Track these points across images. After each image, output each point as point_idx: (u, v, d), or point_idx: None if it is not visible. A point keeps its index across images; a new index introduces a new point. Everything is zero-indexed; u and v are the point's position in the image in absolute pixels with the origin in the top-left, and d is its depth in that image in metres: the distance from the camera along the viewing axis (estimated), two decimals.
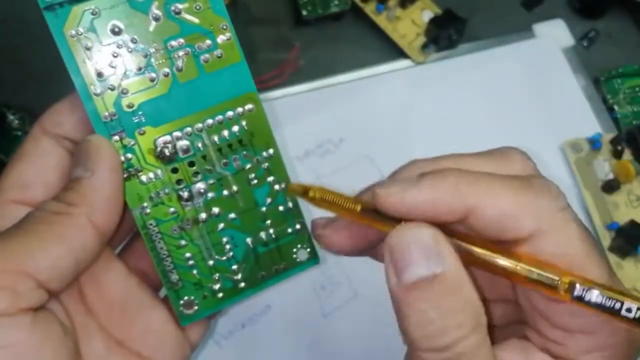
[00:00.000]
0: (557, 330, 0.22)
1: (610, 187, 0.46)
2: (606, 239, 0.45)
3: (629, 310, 0.20)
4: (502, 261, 0.21)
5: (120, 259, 0.27)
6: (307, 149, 0.48)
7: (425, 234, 0.21)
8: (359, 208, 0.23)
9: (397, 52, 0.52)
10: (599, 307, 0.20)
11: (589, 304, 0.20)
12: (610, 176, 0.47)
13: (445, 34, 0.51)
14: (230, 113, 0.25)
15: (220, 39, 0.25)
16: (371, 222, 0.23)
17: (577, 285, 0.20)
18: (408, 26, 0.53)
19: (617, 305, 0.20)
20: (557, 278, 0.21)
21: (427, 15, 0.53)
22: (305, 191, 0.25)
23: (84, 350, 0.25)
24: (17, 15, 0.49)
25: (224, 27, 0.25)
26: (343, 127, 0.49)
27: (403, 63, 0.52)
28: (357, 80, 0.51)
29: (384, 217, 0.22)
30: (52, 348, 0.22)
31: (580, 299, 0.20)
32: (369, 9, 0.53)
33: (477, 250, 0.22)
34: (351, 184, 0.47)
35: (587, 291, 0.20)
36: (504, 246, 0.22)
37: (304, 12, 0.52)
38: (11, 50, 0.51)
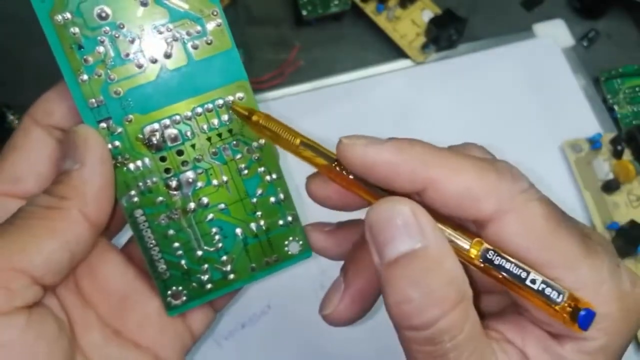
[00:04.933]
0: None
1: (610, 187, 0.46)
2: None
3: (533, 281, 0.20)
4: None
5: (121, 249, 0.27)
6: None
7: (403, 208, 0.20)
8: (298, 142, 0.23)
9: (397, 52, 0.53)
10: (505, 272, 0.20)
11: (498, 268, 0.20)
12: (610, 176, 0.46)
13: (445, 34, 0.51)
14: (220, 101, 0.25)
15: (211, 25, 0.25)
16: (310, 159, 0.23)
17: (487, 251, 0.21)
18: (408, 26, 0.53)
19: (523, 274, 0.20)
20: (468, 243, 0.21)
21: (427, 15, 0.53)
22: (250, 114, 0.25)
23: (82, 342, 0.25)
24: (17, 15, 0.49)
25: (214, 13, 0.25)
26: (343, 127, 0.49)
27: (403, 63, 0.53)
28: (357, 80, 0.51)
29: (325, 155, 0.23)
30: (46, 346, 0.22)
31: (490, 262, 0.21)
32: (369, 9, 0.53)
33: None
34: None
35: (495, 256, 0.21)
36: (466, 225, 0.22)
37: (304, 12, 0.52)
38: (11, 50, 0.51)
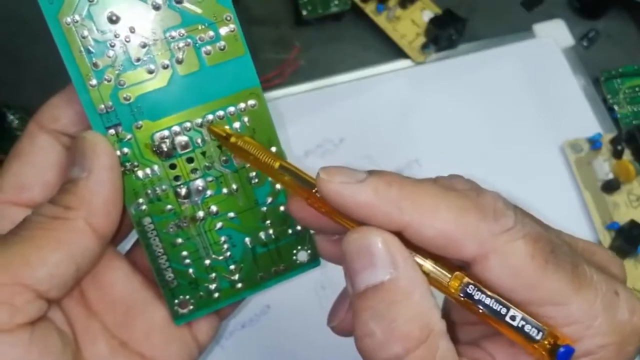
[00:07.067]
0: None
1: (610, 187, 0.46)
2: (606, 239, 0.45)
3: (512, 318, 0.20)
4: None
5: (126, 257, 0.26)
6: (307, 149, 0.48)
7: (375, 239, 0.20)
8: (277, 165, 0.23)
9: (397, 52, 0.52)
10: (485, 307, 0.20)
11: (477, 303, 0.20)
12: (610, 176, 0.46)
13: (445, 34, 0.51)
14: (231, 108, 0.25)
15: (224, 30, 0.24)
16: (289, 184, 0.23)
17: (468, 286, 0.20)
18: (408, 26, 0.53)
19: (503, 311, 0.20)
20: (448, 277, 0.20)
21: (427, 15, 0.53)
22: (228, 135, 0.24)
23: (87, 354, 0.24)
24: (17, 15, 0.49)
25: (228, 19, 0.24)
26: (343, 127, 0.49)
27: (403, 63, 0.52)
28: (357, 80, 0.51)
29: (304, 181, 0.22)
30: None
31: (470, 297, 0.20)
32: (369, 9, 0.53)
33: None
34: None
35: (475, 290, 0.20)
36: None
37: (304, 12, 0.52)
38: (11, 50, 0.51)
